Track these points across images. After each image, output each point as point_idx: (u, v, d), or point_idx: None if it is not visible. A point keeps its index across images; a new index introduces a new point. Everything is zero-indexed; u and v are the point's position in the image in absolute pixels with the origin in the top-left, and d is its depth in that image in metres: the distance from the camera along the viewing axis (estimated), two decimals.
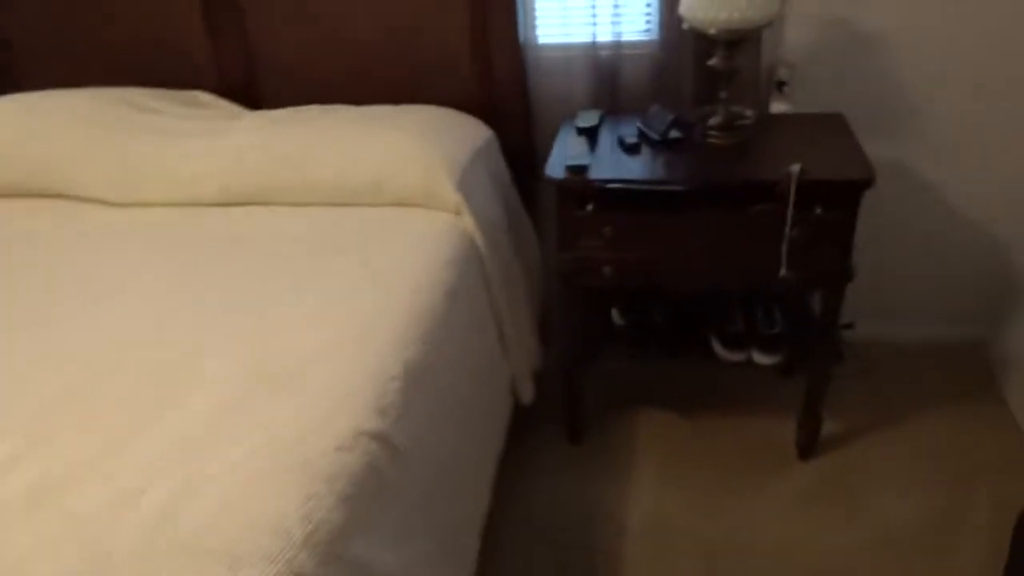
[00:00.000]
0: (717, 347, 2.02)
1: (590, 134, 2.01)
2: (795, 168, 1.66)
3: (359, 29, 2.16)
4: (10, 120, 2.08)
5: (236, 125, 2.04)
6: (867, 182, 1.70)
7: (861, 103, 2.15)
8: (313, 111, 2.12)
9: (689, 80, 2.12)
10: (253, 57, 2.25)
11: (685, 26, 1.85)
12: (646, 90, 2.21)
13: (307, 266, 1.66)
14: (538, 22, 2.19)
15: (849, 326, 2.35)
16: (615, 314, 2.01)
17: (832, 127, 1.98)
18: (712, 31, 1.79)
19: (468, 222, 1.84)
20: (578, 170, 1.80)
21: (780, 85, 2.16)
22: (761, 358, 1.98)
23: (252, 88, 2.30)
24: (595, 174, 1.81)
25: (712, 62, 1.89)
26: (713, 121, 1.95)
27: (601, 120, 2.10)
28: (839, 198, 1.73)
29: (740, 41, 1.84)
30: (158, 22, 2.23)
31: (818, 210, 1.74)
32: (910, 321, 2.48)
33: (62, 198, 2.03)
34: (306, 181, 1.90)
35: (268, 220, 1.87)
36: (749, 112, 1.97)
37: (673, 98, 2.16)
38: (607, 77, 2.21)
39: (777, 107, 2.14)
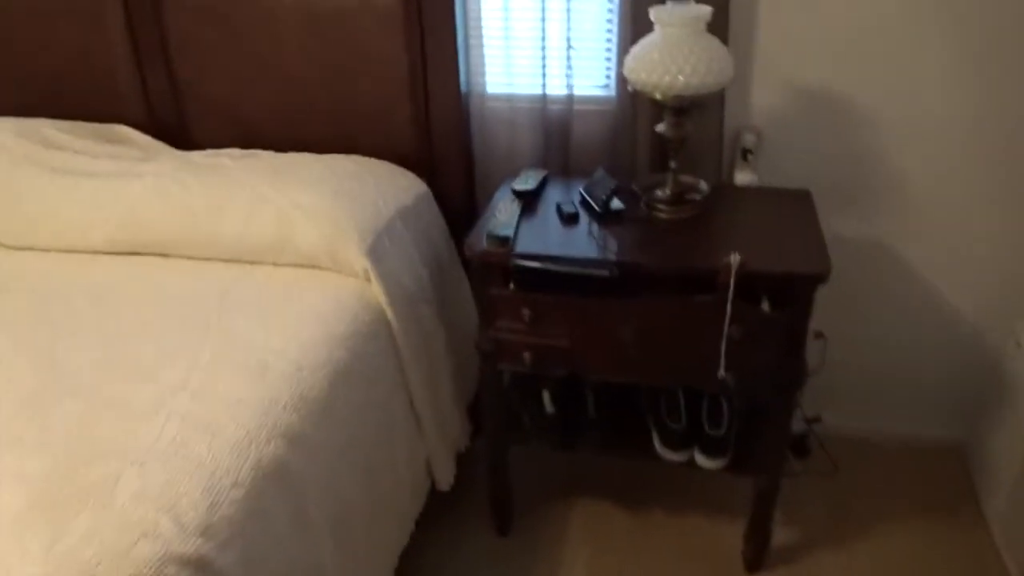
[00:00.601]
0: (658, 445, 1.81)
1: (527, 198, 1.83)
2: (734, 259, 1.46)
3: (292, 67, 2.00)
4: None
5: (144, 168, 1.87)
6: (819, 277, 1.50)
7: (833, 175, 1.95)
8: (232, 155, 1.95)
9: (645, 143, 1.93)
10: (180, 90, 2.09)
11: (630, 88, 1.66)
12: (599, 151, 2.02)
13: (174, 335, 1.48)
14: (487, 69, 2.01)
15: (816, 420, 2.12)
16: (546, 399, 1.81)
17: (796, 205, 1.77)
18: (657, 96, 1.60)
19: (377, 291, 1.65)
20: (499, 242, 1.61)
21: (745, 153, 1.96)
22: (704, 461, 1.76)
23: (182, 122, 2.14)
24: (520, 247, 1.62)
25: (660, 128, 1.70)
26: (660, 193, 1.76)
27: (544, 182, 1.91)
28: (788, 293, 1.52)
29: (690, 107, 1.65)
30: (87, 50, 2.09)
31: (764, 305, 1.53)
32: (883, 417, 2.26)
33: None
34: (204, 235, 1.73)
35: (155, 275, 1.70)
36: (703, 184, 1.77)
37: (628, 162, 1.97)
38: (557, 134, 2.03)
39: (741, 177, 1.94)
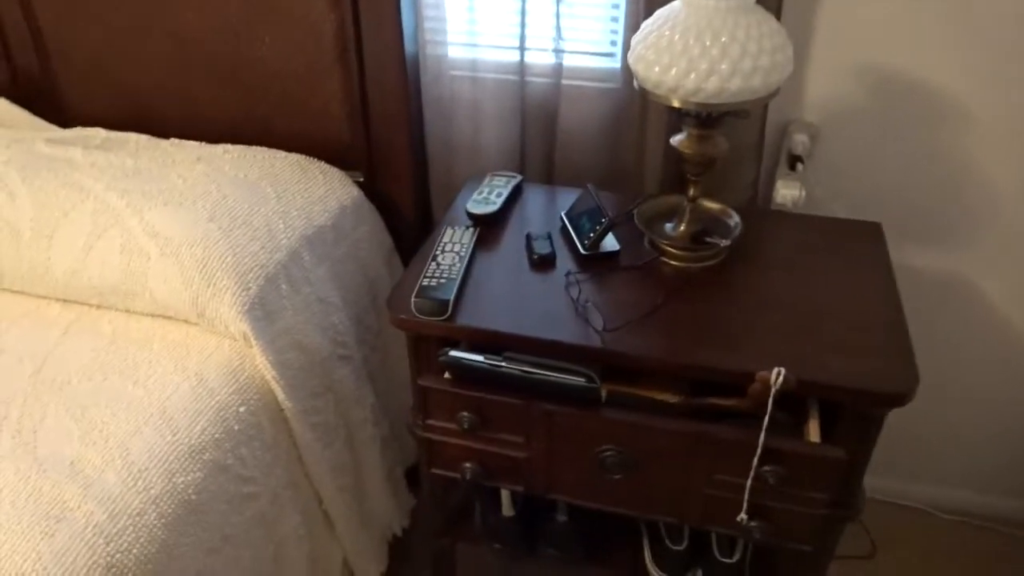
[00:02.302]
0: (649, 562, 1.35)
1: (487, 223, 1.31)
2: (775, 373, 0.96)
3: (180, 18, 1.46)
4: None
5: None
6: (900, 398, 1.00)
7: (905, 187, 1.43)
8: (90, 142, 1.43)
9: (659, 142, 1.39)
10: (41, 36, 1.56)
11: (636, 85, 1.12)
12: (596, 148, 1.49)
13: None
14: (447, 27, 1.46)
15: None
16: (505, 500, 1.35)
17: (861, 250, 1.25)
18: (674, 102, 1.06)
19: (263, 365, 1.17)
20: (434, 306, 1.11)
21: (794, 161, 1.42)
22: None
23: (48, 82, 1.62)
24: (464, 314, 1.12)
25: (675, 142, 1.16)
26: (671, 229, 1.24)
27: (515, 194, 1.39)
28: (851, 416, 1.03)
29: (723, 117, 1.12)
30: None
31: (812, 427, 1.04)
32: (938, 482, 1.78)
33: None
34: (29, 266, 1.25)
35: None
36: (733, 218, 1.25)
37: (635, 167, 1.44)
38: (538, 120, 1.49)
39: (786, 192, 1.41)
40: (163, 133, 1.54)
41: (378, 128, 1.48)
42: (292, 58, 1.45)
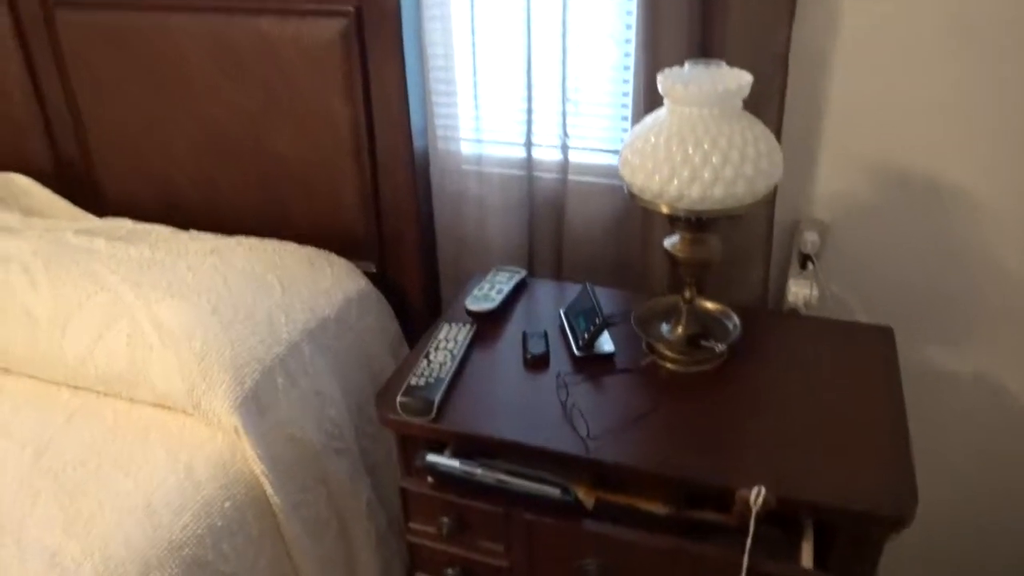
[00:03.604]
0: None
1: (485, 321, 1.31)
2: (755, 492, 0.91)
3: (204, 109, 1.54)
4: None
5: (5, 246, 1.44)
6: (898, 522, 0.94)
7: (924, 288, 1.37)
8: (113, 233, 1.50)
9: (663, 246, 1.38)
10: (82, 122, 1.66)
11: (626, 190, 1.12)
12: (604, 244, 1.48)
13: None
14: (459, 123, 1.50)
15: None
16: None
17: (868, 355, 1.20)
18: (662, 208, 1.05)
19: (252, 459, 1.17)
20: (419, 405, 1.11)
21: (804, 259, 1.39)
22: None
23: (88, 170, 1.72)
24: (450, 415, 1.11)
25: (668, 245, 1.15)
26: (668, 331, 1.21)
27: (518, 289, 1.39)
28: (847, 538, 0.97)
29: (714, 221, 1.10)
30: None
31: (806, 550, 0.98)
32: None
33: None
34: (43, 352, 1.30)
35: None
36: (732, 320, 1.22)
37: (640, 264, 1.43)
38: (546, 215, 1.50)
39: (797, 290, 1.38)
40: (190, 218, 1.61)
41: (389, 220, 1.51)
42: (309, 151, 1.50)
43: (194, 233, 1.52)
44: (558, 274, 1.52)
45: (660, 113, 1.06)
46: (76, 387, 1.30)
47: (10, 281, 1.35)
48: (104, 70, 1.57)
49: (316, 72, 1.42)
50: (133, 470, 1.14)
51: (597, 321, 1.20)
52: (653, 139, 1.03)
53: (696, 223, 1.09)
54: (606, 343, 1.22)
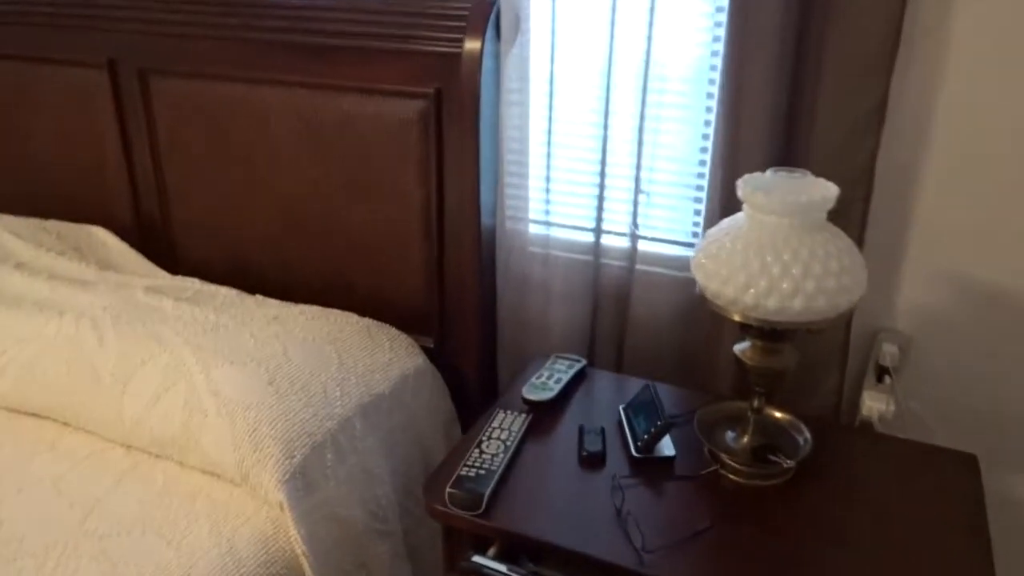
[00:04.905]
0: None
1: (541, 412, 1.28)
2: None
3: (282, 182, 1.57)
4: None
5: (77, 300, 1.48)
6: None
7: (1009, 412, 1.28)
8: (182, 294, 1.52)
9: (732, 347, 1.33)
10: (167, 192, 1.72)
11: (697, 290, 1.08)
12: (669, 339, 1.44)
13: None
14: (529, 206, 1.49)
15: None
16: None
17: (950, 483, 1.12)
18: (735, 317, 1.02)
19: (295, 539, 1.15)
20: (468, 499, 1.07)
21: (882, 372, 1.32)
22: None
23: (168, 231, 1.77)
24: (499, 511, 1.07)
25: (739, 351, 1.11)
26: (732, 440, 1.16)
27: (576, 380, 1.35)
28: None
29: (790, 333, 1.06)
30: (76, 140, 1.77)
31: None
32: None
33: None
34: (102, 410, 1.31)
35: (36, 450, 1.30)
36: (803, 434, 1.16)
37: (707, 364, 1.38)
38: (610, 304, 1.47)
39: (872, 404, 1.30)
40: (258, 283, 1.64)
41: (451, 296, 1.51)
42: (379, 226, 1.51)
43: (259, 298, 1.53)
44: (619, 366, 1.48)
45: (738, 218, 1.03)
46: (130, 447, 1.31)
47: (80, 336, 1.38)
48: (190, 136, 1.62)
49: (393, 149, 1.44)
50: (176, 539, 1.12)
51: (659, 423, 1.15)
52: (729, 245, 1.00)
53: (770, 333, 1.05)
54: (666, 446, 1.17)
